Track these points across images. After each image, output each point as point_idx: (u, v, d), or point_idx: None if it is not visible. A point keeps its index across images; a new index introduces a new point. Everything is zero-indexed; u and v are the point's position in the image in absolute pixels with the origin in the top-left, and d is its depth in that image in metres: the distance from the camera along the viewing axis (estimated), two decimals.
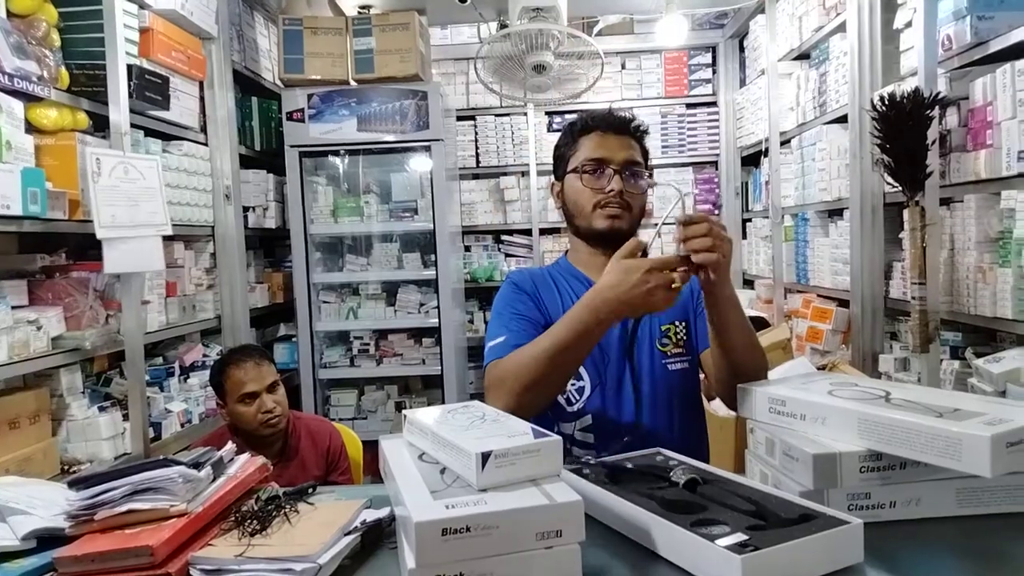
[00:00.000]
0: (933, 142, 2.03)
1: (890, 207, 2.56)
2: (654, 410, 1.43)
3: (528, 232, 4.46)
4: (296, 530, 1.01)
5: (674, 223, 1.22)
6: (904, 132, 1.99)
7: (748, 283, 4.28)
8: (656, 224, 1.33)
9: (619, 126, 1.48)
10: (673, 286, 1.15)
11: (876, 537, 0.92)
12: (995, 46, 1.96)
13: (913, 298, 2.09)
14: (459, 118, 4.40)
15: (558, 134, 4.84)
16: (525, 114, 4.39)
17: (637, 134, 1.50)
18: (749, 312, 3.52)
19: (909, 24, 2.32)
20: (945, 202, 2.18)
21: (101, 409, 2.21)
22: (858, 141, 2.63)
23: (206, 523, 1.03)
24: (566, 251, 1.61)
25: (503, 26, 3.62)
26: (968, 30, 1.99)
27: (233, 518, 1.04)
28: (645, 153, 1.51)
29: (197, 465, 1.07)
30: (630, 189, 1.44)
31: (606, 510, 1.01)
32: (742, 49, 4.28)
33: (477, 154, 4.48)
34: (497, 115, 4.45)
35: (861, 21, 2.60)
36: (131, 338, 2.22)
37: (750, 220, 4.25)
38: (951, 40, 2.08)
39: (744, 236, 4.37)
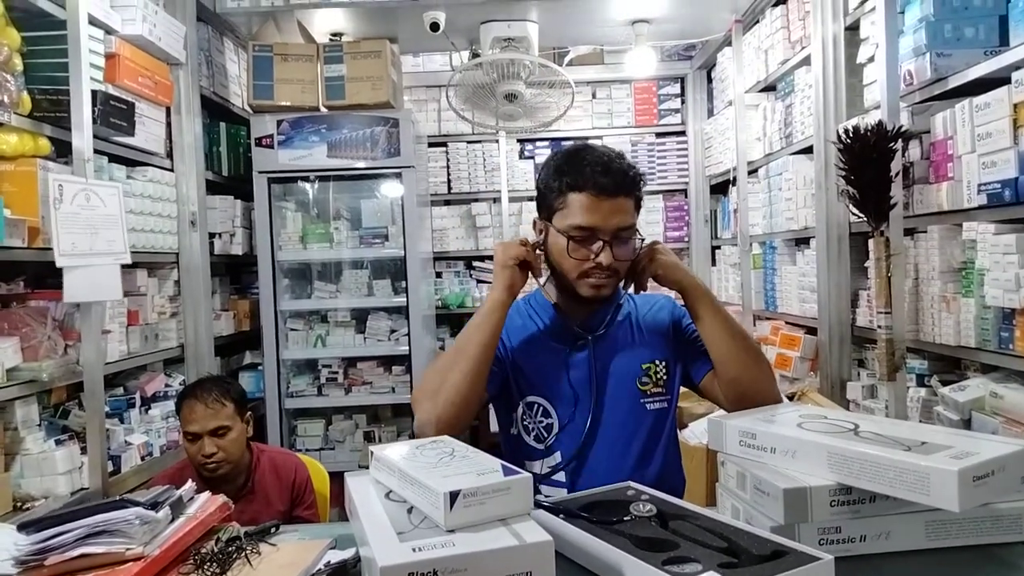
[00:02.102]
0: (896, 174, 2.07)
1: (856, 236, 2.60)
2: (627, 448, 1.42)
3: None
4: (257, 573, 0.97)
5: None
6: (868, 164, 2.03)
7: None
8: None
9: (612, 189, 1.34)
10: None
11: (847, 572, 0.91)
12: (953, 82, 2.01)
13: (879, 327, 2.12)
14: (431, 144, 4.41)
15: (530, 161, 4.80)
16: (497, 141, 4.41)
17: (630, 190, 1.37)
18: None
19: (872, 59, 2.38)
20: (909, 232, 2.22)
21: (58, 442, 2.13)
22: (823, 172, 2.67)
23: (164, 567, 0.99)
24: (545, 282, 1.54)
25: (475, 55, 3.65)
26: (928, 66, 2.05)
27: (192, 561, 1.01)
28: (638, 201, 1.41)
29: (155, 505, 1.03)
30: (619, 256, 1.36)
31: (577, 548, 1.00)
32: (710, 80, 4.35)
33: (449, 180, 4.49)
34: (469, 142, 4.47)
35: (825, 55, 2.66)
36: (90, 369, 2.16)
37: (719, 248, 4.30)
38: (912, 75, 2.13)
39: (713, 263, 4.41)
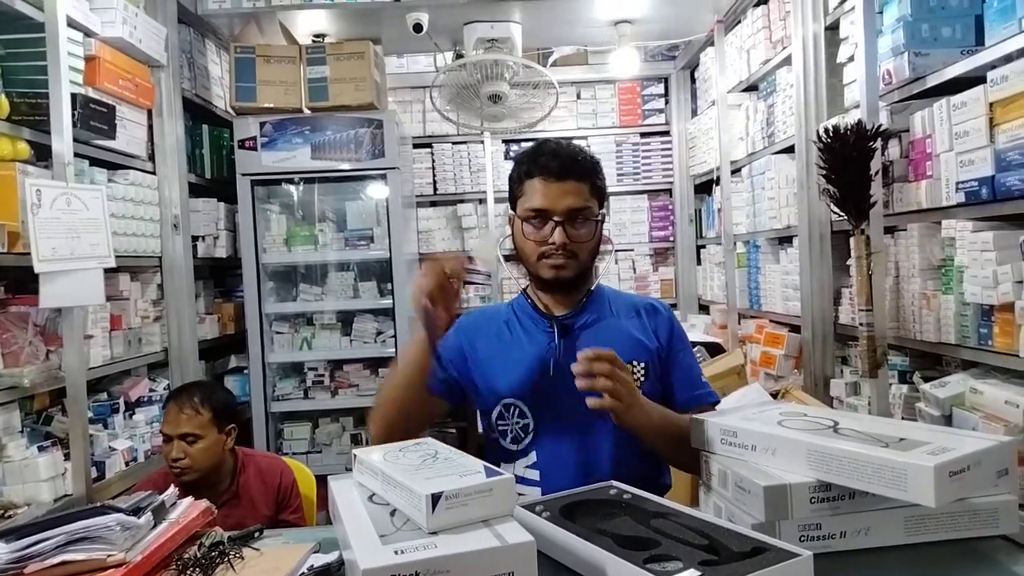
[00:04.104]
0: (876, 173, 2.09)
1: (837, 235, 2.62)
2: (604, 446, 1.41)
3: None
4: None
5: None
6: (848, 163, 2.05)
7: (704, 308, 4.33)
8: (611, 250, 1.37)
9: (560, 172, 1.40)
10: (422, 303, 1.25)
11: (828, 568, 0.92)
12: (931, 81, 2.03)
13: (861, 324, 2.14)
14: (416, 145, 4.40)
15: None
16: (482, 142, 4.41)
17: (582, 175, 1.43)
18: (705, 338, 3.57)
19: (851, 59, 2.40)
20: (889, 231, 2.24)
21: (41, 449, 2.12)
22: (805, 171, 2.69)
23: (146, 572, 0.99)
24: (527, 285, 1.56)
25: (459, 56, 3.65)
26: (906, 65, 2.07)
27: (175, 566, 1.01)
28: (596, 188, 1.45)
29: (136, 511, 1.02)
30: (575, 238, 1.41)
31: (559, 548, 1.00)
32: (693, 80, 4.37)
33: (434, 181, 4.48)
34: (454, 143, 4.46)
35: (806, 55, 2.68)
36: (72, 374, 2.14)
37: (704, 247, 4.32)
38: (891, 75, 2.15)
39: (699, 262, 4.44)
